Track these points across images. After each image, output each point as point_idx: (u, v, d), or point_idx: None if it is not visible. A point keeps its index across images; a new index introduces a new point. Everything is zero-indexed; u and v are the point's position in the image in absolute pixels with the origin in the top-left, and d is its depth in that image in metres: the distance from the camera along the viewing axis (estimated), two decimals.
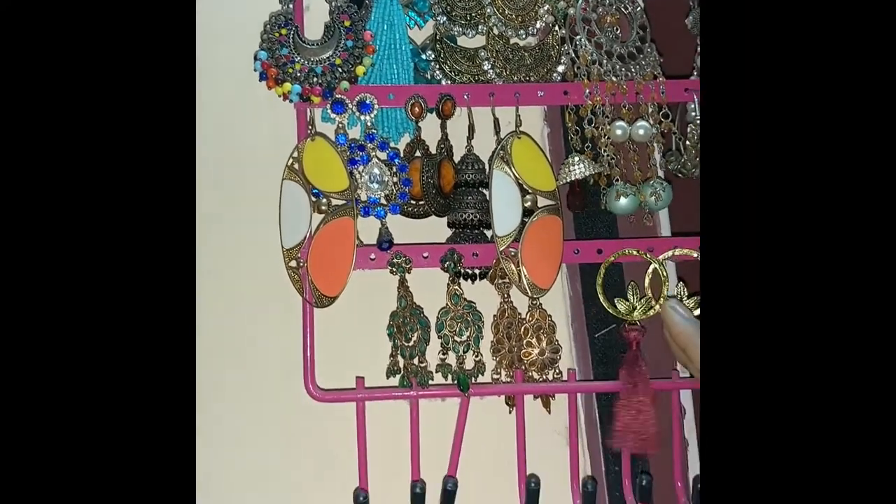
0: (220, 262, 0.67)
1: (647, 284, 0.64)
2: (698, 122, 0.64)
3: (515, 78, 0.65)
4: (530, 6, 0.65)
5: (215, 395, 0.67)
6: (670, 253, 0.64)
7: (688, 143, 0.64)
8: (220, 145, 0.68)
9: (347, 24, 0.63)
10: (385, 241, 0.62)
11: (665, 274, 0.64)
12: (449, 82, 0.64)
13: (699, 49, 0.66)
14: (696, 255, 0.64)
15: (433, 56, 0.65)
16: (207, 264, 0.67)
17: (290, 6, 0.63)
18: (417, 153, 0.64)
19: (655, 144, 0.65)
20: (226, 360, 0.67)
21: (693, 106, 0.65)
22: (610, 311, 0.63)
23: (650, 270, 0.63)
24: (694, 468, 0.66)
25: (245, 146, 0.68)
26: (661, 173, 0.66)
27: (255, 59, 0.62)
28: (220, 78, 0.68)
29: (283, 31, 0.62)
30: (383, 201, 0.63)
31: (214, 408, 0.66)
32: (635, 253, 0.64)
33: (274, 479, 0.66)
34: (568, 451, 0.63)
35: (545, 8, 0.65)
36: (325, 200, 0.62)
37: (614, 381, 0.63)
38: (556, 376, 0.63)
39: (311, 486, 0.66)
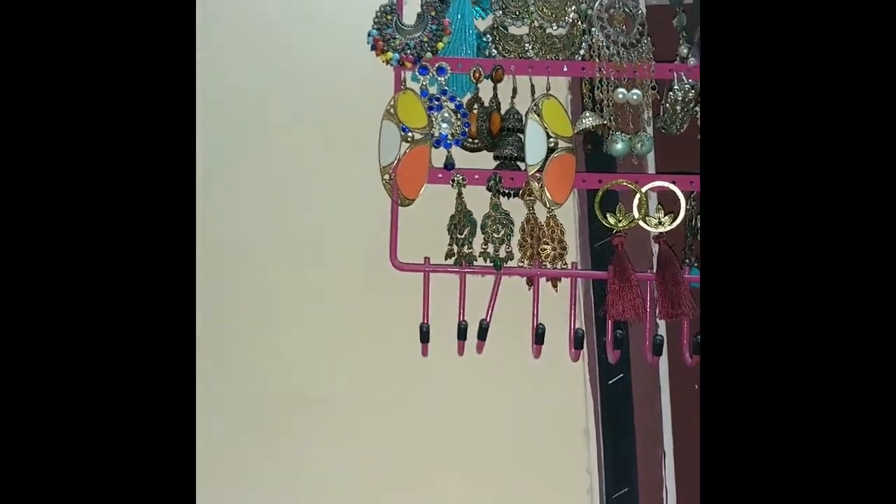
0: (333, 177, 0.94)
1: (635, 206, 0.86)
2: (678, 91, 0.86)
3: (548, 57, 0.88)
4: (561, 7, 0.88)
5: (325, 273, 0.94)
6: (652, 184, 0.86)
7: (668, 105, 0.86)
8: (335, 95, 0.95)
9: (433, 14, 0.87)
10: (450, 164, 0.86)
11: (646, 200, 0.86)
12: (501, 57, 0.88)
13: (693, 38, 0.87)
14: (671, 186, 0.86)
15: (491, 39, 0.89)
16: (324, 179, 0.94)
17: (395, 1, 0.88)
18: (476, 106, 0.88)
19: (645, 107, 0.87)
20: (333, 245, 0.94)
21: (674, 82, 0.87)
22: (603, 223, 0.86)
23: (637, 196, 0.86)
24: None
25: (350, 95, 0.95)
26: (648, 129, 0.88)
27: (369, 35, 0.87)
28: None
29: (389, 17, 0.87)
30: (450, 138, 0.87)
31: (323, 279, 0.93)
32: (625, 183, 0.86)
33: (366, 321, 0.92)
34: (567, 313, 0.86)
35: (572, 8, 0.88)
36: (410, 134, 0.86)
37: (604, 271, 0.85)
38: (563, 266, 0.86)
39: (393, 324, 0.91)
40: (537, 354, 0.85)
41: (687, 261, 0.86)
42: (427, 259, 0.86)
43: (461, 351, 0.85)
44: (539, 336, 0.83)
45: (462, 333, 0.83)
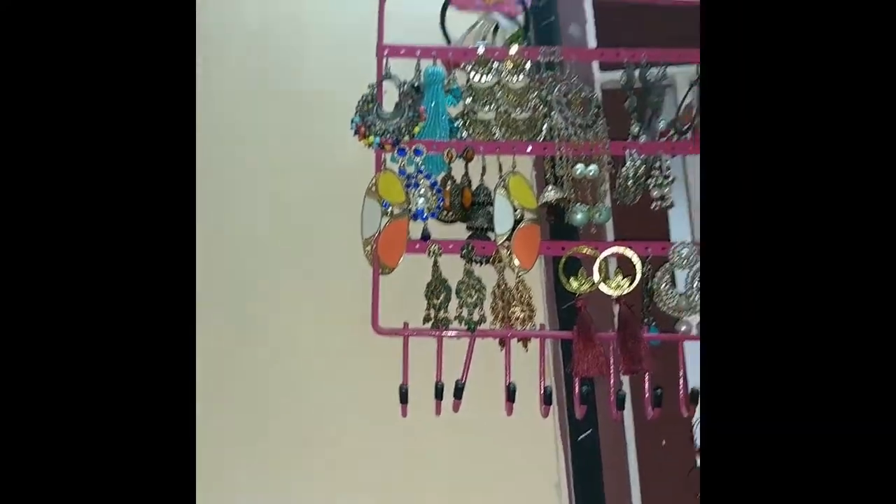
0: (320, 250, 1.01)
1: (595, 270, 0.93)
2: (629, 167, 0.94)
3: (514, 138, 0.97)
4: (524, 93, 0.98)
5: (311, 338, 0.99)
6: (610, 251, 0.94)
7: (620, 179, 0.95)
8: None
9: (410, 102, 0.96)
10: (426, 235, 0.94)
11: (605, 265, 0.93)
12: (471, 139, 0.97)
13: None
14: (627, 252, 0.93)
15: (462, 123, 0.98)
16: (311, 251, 1.01)
17: (375, 91, 0.97)
18: (449, 183, 0.96)
19: (602, 181, 0.95)
20: (319, 311, 1.00)
21: (626, 158, 0.95)
22: (566, 287, 0.92)
23: (597, 262, 0.93)
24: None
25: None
26: (605, 200, 0.96)
27: (352, 121, 0.95)
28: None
29: (370, 105, 0.96)
30: (426, 211, 0.94)
31: (309, 344, 0.99)
32: (586, 250, 0.94)
33: (349, 384, 0.97)
34: (537, 372, 0.91)
35: (534, 95, 0.98)
36: (390, 209, 0.94)
37: (570, 331, 0.91)
38: (532, 327, 0.92)
39: (372, 387, 0.96)
40: (510, 412, 0.90)
41: (645, 320, 0.92)
42: (406, 324, 0.92)
43: (438, 410, 0.90)
44: (511, 394, 0.88)
45: (439, 393, 0.88)
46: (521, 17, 1.03)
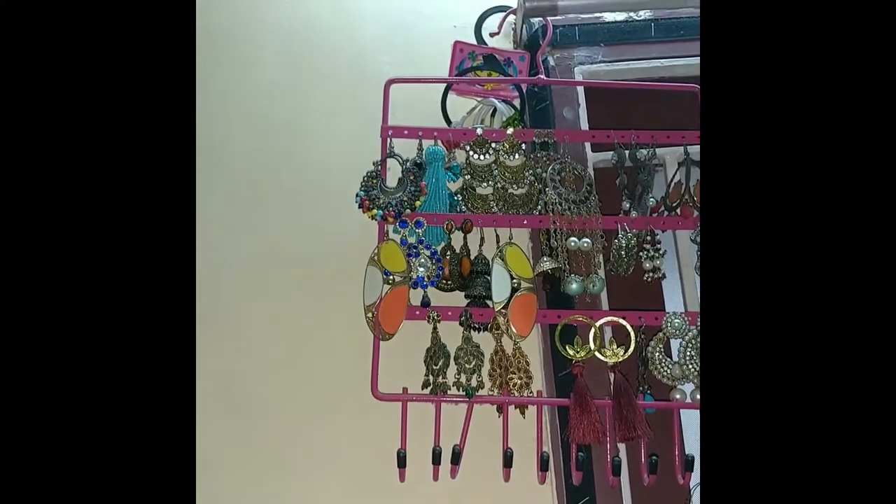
0: (322, 316, 1.04)
1: (591, 338, 0.95)
2: (622, 239, 0.98)
3: (510, 212, 1.01)
4: (520, 171, 1.03)
5: (313, 401, 1.00)
6: (604, 320, 0.96)
7: (613, 251, 0.98)
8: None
9: (412, 178, 1.02)
10: (426, 303, 0.96)
11: (600, 333, 0.95)
12: (469, 212, 1.01)
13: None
14: (622, 321, 0.95)
15: (461, 198, 1.03)
16: (315, 320, 1.04)
17: (379, 167, 1.03)
18: (448, 253, 0.99)
19: (595, 253, 0.98)
20: (319, 376, 1.01)
21: (619, 232, 0.99)
22: (562, 353, 0.94)
23: (592, 330, 0.95)
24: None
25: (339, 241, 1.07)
26: (599, 271, 0.99)
27: (357, 196, 1.00)
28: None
29: (374, 180, 1.01)
30: (426, 280, 0.97)
31: (310, 407, 1.00)
32: (581, 318, 0.96)
33: (348, 448, 0.97)
34: (535, 438, 0.91)
35: (529, 172, 1.03)
36: (391, 277, 0.97)
37: (567, 398, 0.92)
38: (529, 394, 0.93)
39: (371, 452, 0.96)
40: (507, 477, 0.89)
41: (640, 388, 0.93)
42: (405, 389, 0.93)
43: (436, 476, 0.90)
44: (508, 459, 0.88)
45: (437, 458, 0.89)
46: (517, 102, 1.10)
